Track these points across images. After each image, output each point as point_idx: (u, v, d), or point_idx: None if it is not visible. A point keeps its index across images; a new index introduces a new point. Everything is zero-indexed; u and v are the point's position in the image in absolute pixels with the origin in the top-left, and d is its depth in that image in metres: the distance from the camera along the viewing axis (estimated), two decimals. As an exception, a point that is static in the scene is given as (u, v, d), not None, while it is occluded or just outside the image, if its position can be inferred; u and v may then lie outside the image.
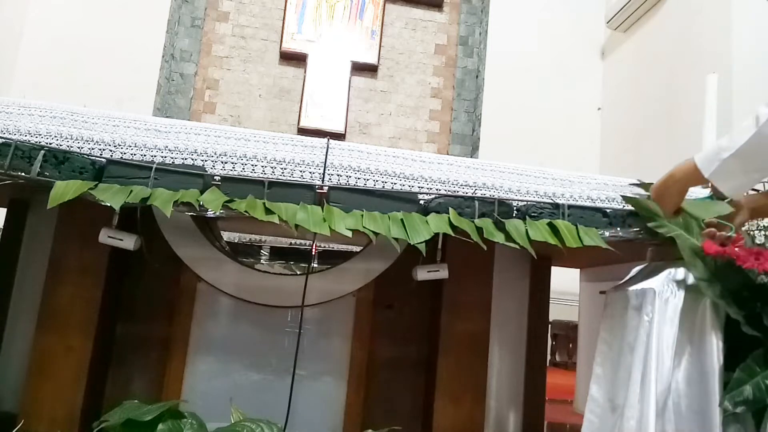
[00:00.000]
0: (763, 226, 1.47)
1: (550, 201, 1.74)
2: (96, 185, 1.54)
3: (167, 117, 5.21)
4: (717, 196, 1.26)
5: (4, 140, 1.58)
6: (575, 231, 1.64)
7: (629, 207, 1.73)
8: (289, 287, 1.94)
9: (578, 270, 2.73)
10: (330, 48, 5.82)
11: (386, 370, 1.99)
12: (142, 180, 1.59)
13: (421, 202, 1.70)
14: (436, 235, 1.59)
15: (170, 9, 5.47)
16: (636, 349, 1.48)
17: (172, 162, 1.67)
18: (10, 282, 1.91)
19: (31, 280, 1.88)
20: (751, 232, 1.47)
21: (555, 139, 5.36)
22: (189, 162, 1.68)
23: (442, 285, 1.86)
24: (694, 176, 1.18)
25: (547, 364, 2.59)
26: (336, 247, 3.10)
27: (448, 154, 5.77)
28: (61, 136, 1.67)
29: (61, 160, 1.57)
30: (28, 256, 1.92)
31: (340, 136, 5.55)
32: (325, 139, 1.77)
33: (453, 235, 1.59)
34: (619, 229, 1.70)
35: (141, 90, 5.20)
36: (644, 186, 1.70)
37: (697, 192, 1.65)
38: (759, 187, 1.45)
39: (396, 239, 1.54)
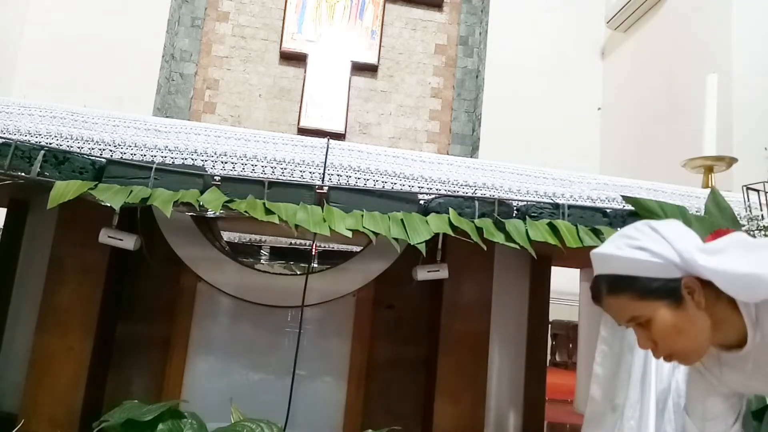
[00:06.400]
0: (764, 225, 1.47)
1: (550, 201, 1.74)
2: (96, 185, 1.54)
3: (167, 117, 5.21)
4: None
5: (4, 140, 1.58)
6: (575, 231, 1.64)
7: (629, 207, 1.73)
8: (289, 287, 1.94)
9: (578, 270, 2.73)
10: (330, 48, 5.81)
11: (386, 370, 1.99)
12: (142, 180, 1.59)
13: (421, 202, 1.70)
14: (436, 235, 1.59)
15: (170, 9, 5.47)
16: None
17: (172, 162, 1.67)
18: (10, 282, 1.90)
19: (31, 280, 1.88)
20: (751, 232, 1.47)
21: (555, 139, 5.35)
22: (189, 162, 1.68)
23: (442, 285, 1.86)
24: None
25: (547, 364, 2.58)
26: (336, 247, 3.09)
27: (448, 154, 5.77)
28: (61, 136, 1.67)
29: (61, 160, 1.57)
30: (28, 256, 1.92)
31: (340, 136, 5.53)
32: (325, 139, 1.77)
33: (453, 235, 1.59)
34: (619, 229, 1.70)
35: (141, 90, 5.19)
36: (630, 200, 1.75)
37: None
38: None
39: (396, 239, 1.54)
